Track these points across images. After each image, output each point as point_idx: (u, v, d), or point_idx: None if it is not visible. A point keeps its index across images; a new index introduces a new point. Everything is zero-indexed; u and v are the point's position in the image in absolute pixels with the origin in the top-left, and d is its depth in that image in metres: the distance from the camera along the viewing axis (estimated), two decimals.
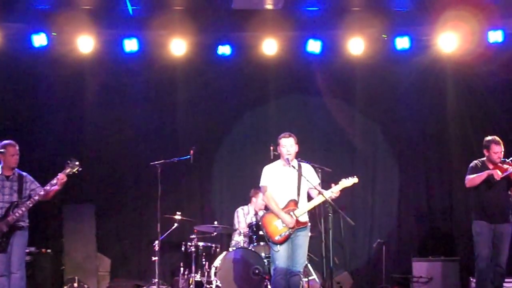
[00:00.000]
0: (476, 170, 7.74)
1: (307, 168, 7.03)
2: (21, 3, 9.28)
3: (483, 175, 7.62)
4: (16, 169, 7.29)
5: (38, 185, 7.30)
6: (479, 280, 7.72)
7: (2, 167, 7.25)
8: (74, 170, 7.12)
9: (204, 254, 8.71)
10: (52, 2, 9.39)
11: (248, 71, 10.18)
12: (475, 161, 7.86)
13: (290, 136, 6.96)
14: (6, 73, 9.75)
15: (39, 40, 9.42)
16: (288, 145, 6.91)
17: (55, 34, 9.54)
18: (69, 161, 7.14)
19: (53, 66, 9.73)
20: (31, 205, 7.08)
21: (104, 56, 9.82)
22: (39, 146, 9.71)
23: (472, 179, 7.69)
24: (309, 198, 7.02)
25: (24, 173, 7.34)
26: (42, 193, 7.07)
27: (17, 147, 7.29)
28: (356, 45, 9.83)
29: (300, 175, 6.90)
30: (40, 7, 9.41)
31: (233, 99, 10.29)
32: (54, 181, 7.06)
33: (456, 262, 9.38)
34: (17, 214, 7.01)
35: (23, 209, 7.05)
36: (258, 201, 8.95)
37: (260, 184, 7.08)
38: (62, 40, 9.62)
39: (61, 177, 7.08)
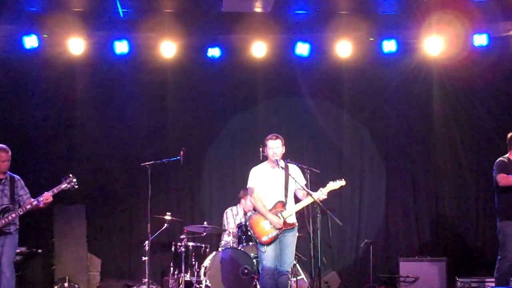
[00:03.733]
0: (506, 167, 7.25)
1: (294, 169, 7.08)
2: (12, 4, 9.26)
3: None
4: (8, 172, 7.18)
5: (27, 192, 7.21)
6: (502, 281, 7.24)
7: None
8: (69, 187, 6.97)
9: (193, 254, 8.73)
10: (43, 4, 9.38)
11: (237, 73, 10.24)
12: (501, 158, 7.36)
13: (277, 138, 6.99)
14: None
15: (30, 41, 9.40)
16: (274, 147, 6.94)
17: (46, 36, 9.54)
18: (66, 177, 6.99)
19: (44, 68, 9.73)
20: (21, 212, 7.02)
21: (95, 58, 9.84)
22: (29, 148, 9.73)
23: (509, 178, 7.17)
24: (296, 199, 7.09)
25: (16, 177, 7.23)
26: (28, 207, 6.97)
27: (10, 153, 7.15)
28: (343, 48, 9.92)
29: (287, 176, 6.95)
30: (31, 9, 9.40)
31: (222, 100, 10.33)
32: (40, 198, 6.92)
33: (443, 262, 9.41)
34: (7, 219, 6.97)
35: (14, 215, 7.00)
36: (246, 202, 8.95)
37: (248, 186, 7.14)
38: (53, 42, 9.63)
39: (46, 196, 6.92)
